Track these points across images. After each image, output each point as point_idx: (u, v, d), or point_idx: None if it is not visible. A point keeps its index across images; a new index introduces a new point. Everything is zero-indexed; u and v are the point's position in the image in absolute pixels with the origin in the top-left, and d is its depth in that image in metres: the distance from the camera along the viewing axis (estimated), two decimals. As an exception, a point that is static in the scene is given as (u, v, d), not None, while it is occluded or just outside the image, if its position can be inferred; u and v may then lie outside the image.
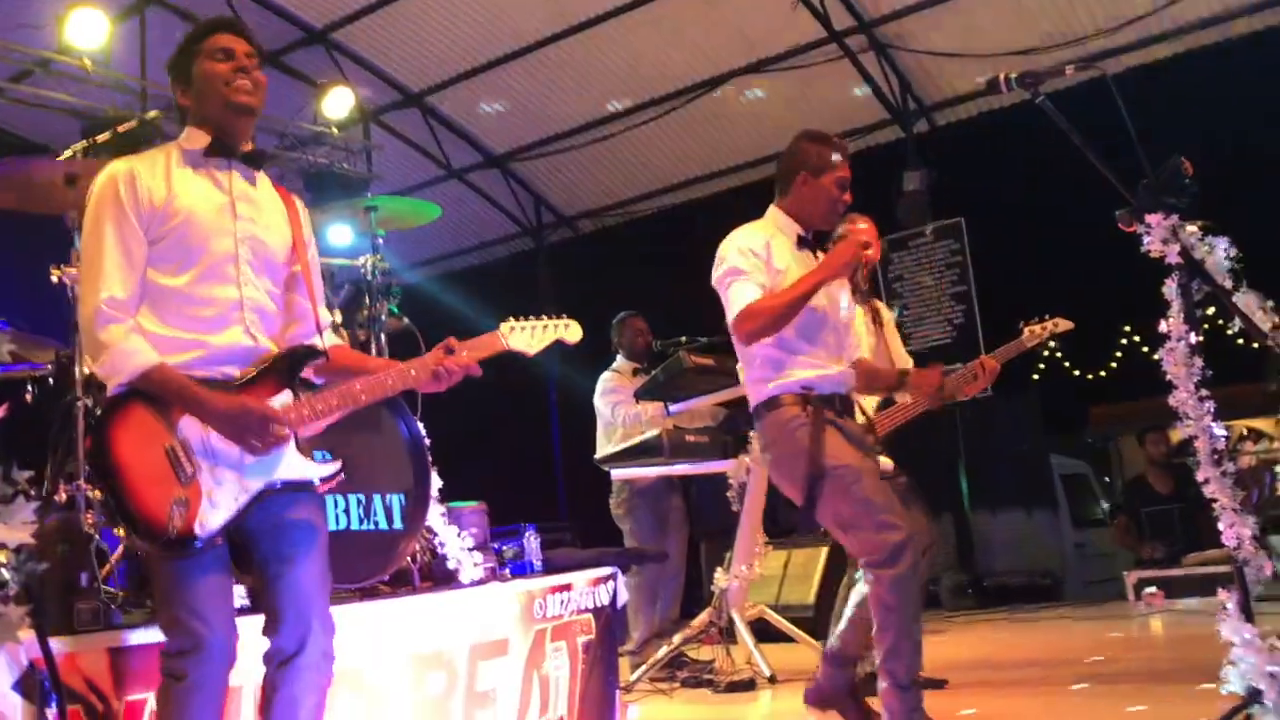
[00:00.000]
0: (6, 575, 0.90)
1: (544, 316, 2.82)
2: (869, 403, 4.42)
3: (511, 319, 2.78)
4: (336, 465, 2.58)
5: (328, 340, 2.74)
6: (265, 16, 8.66)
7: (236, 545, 2.46)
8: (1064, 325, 4.50)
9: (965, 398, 4.20)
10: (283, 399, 2.51)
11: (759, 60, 9.13)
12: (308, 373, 2.70)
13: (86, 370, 3.29)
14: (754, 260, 3.42)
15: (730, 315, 3.42)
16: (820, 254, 3.57)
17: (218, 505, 2.38)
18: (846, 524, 3.31)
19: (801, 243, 3.55)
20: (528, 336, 2.78)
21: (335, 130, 8.61)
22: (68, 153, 3.95)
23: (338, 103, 8.33)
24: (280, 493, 2.47)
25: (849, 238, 3.54)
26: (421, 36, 9.28)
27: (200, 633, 2.32)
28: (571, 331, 2.86)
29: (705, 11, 8.80)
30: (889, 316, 4.86)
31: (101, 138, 4.14)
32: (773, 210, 3.63)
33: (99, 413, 2.42)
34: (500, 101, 9.92)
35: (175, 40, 2.65)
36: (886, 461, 4.33)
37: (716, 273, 3.51)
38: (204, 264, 2.48)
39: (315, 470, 2.54)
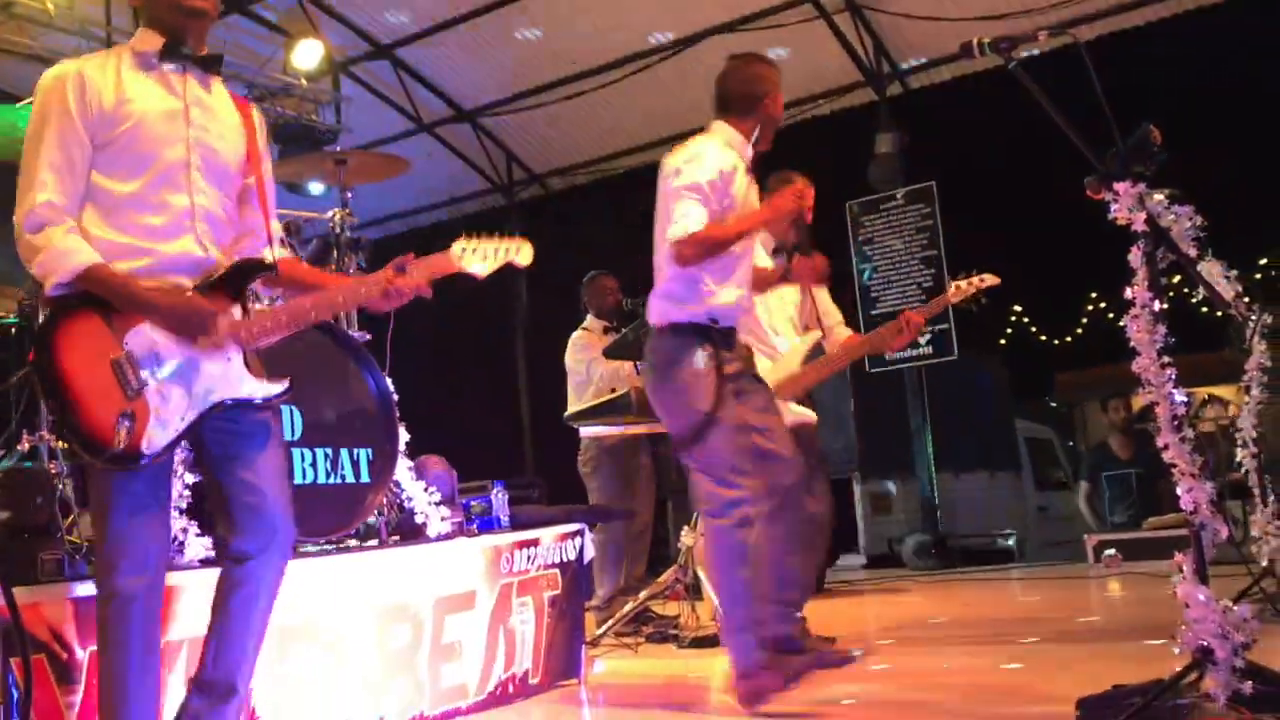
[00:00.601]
0: None
1: (496, 236, 2.78)
2: (796, 356, 4.43)
3: (464, 238, 2.71)
4: (284, 383, 2.55)
5: (276, 253, 2.70)
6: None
7: (192, 447, 2.46)
8: (990, 280, 4.56)
9: (891, 352, 4.37)
10: (231, 314, 2.48)
11: (734, 20, 9.06)
12: (257, 285, 2.68)
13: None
14: (716, 185, 3.48)
15: (672, 231, 3.43)
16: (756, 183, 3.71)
17: (165, 423, 2.34)
18: (705, 469, 3.42)
19: (751, 168, 3.67)
20: (479, 258, 2.71)
21: (304, 81, 8.50)
22: (27, 100, 3.88)
23: (307, 53, 8.23)
24: (230, 409, 2.46)
25: (786, 190, 3.56)
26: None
27: (134, 544, 2.32)
28: (523, 254, 2.79)
29: (680, -32, 8.72)
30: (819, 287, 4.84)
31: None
32: (730, 131, 3.66)
33: (42, 320, 2.35)
34: (472, 55, 9.79)
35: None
36: (808, 413, 4.40)
37: (674, 178, 3.52)
38: (155, 170, 2.43)
39: (263, 389, 2.51)
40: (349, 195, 4.18)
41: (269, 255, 2.62)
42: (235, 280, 2.52)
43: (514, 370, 11.31)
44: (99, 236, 2.38)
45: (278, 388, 2.54)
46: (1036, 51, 3.11)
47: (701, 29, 9.18)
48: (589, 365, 5.89)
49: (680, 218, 3.41)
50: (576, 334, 6.12)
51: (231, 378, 2.46)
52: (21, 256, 2.38)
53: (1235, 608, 2.65)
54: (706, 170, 3.47)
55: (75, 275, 2.32)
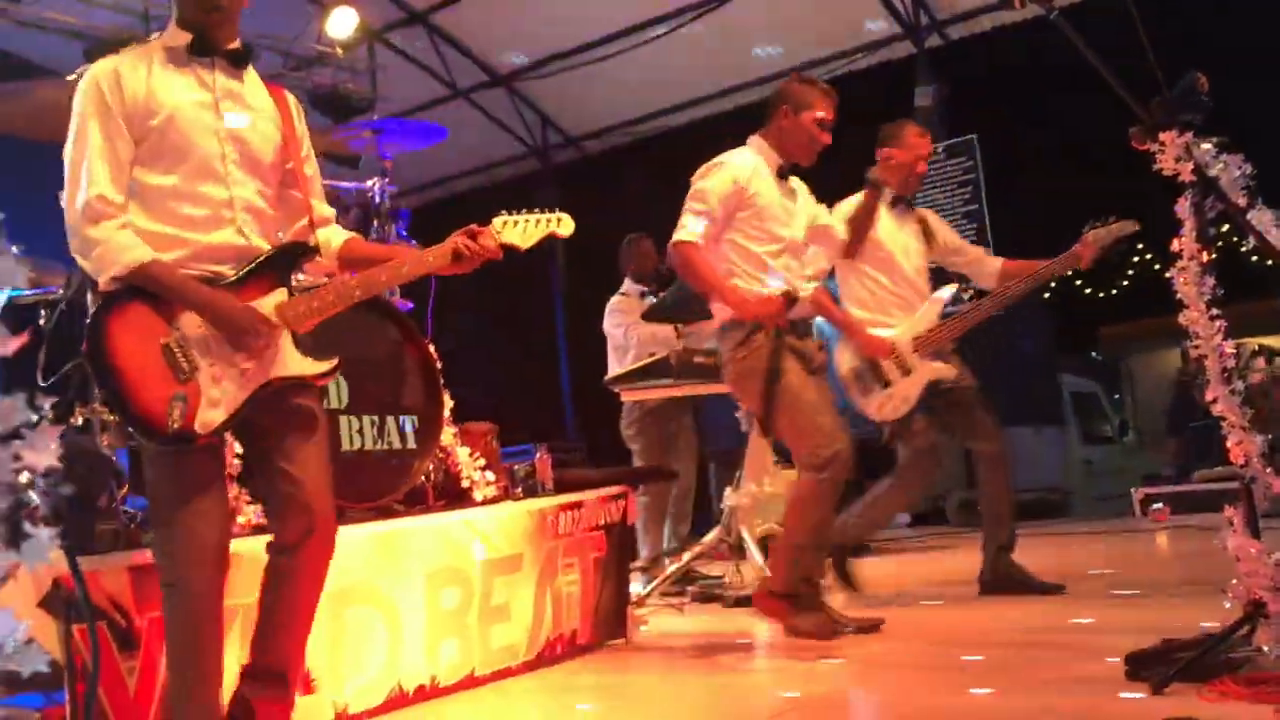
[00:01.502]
0: (36, 498, 0.93)
1: (536, 210, 2.82)
2: (931, 314, 4.54)
3: (504, 213, 2.78)
4: (333, 362, 2.59)
5: (341, 234, 2.75)
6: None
7: (237, 437, 2.50)
8: (1129, 226, 4.48)
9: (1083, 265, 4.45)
10: (277, 297, 2.52)
11: (770, -26, 8.96)
12: (332, 267, 2.72)
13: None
14: (729, 197, 3.78)
15: (676, 234, 3.78)
16: (793, 183, 3.96)
17: (217, 403, 2.39)
18: (794, 434, 3.72)
19: (780, 172, 3.89)
20: (520, 230, 2.79)
21: (339, 50, 8.50)
22: (72, 75, 3.91)
23: (342, 22, 8.22)
24: (278, 389, 2.49)
25: (768, 299, 3.70)
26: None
27: (197, 528, 2.37)
28: (564, 225, 2.86)
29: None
30: (943, 229, 4.86)
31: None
32: (755, 140, 3.96)
33: (94, 310, 2.40)
34: (505, 19, 9.75)
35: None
36: (948, 368, 4.49)
37: (696, 181, 3.85)
38: (191, 163, 2.47)
39: (312, 367, 2.55)
40: (388, 165, 4.20)
41: (314, 239, 2.66)
42: (279, 264, 2.56)
43: (554, 333, 11.35)
44: (141, 228, 2.42)
45: (326, 366, 2.57)
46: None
47: (737, -15, 9.08)
48: (627, 330, 5.90)
49: (684, 225, 3.77)
50: (614, 299, 6.13)
51: (280, 358, 2.50)
52: (74, 249, 2.43)
53: (1288, 561, 2.62)
54: (718, 182, 3.80)
55: (131, 270, 2.36)
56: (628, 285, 6.16)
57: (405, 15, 9.75)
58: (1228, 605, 2.72)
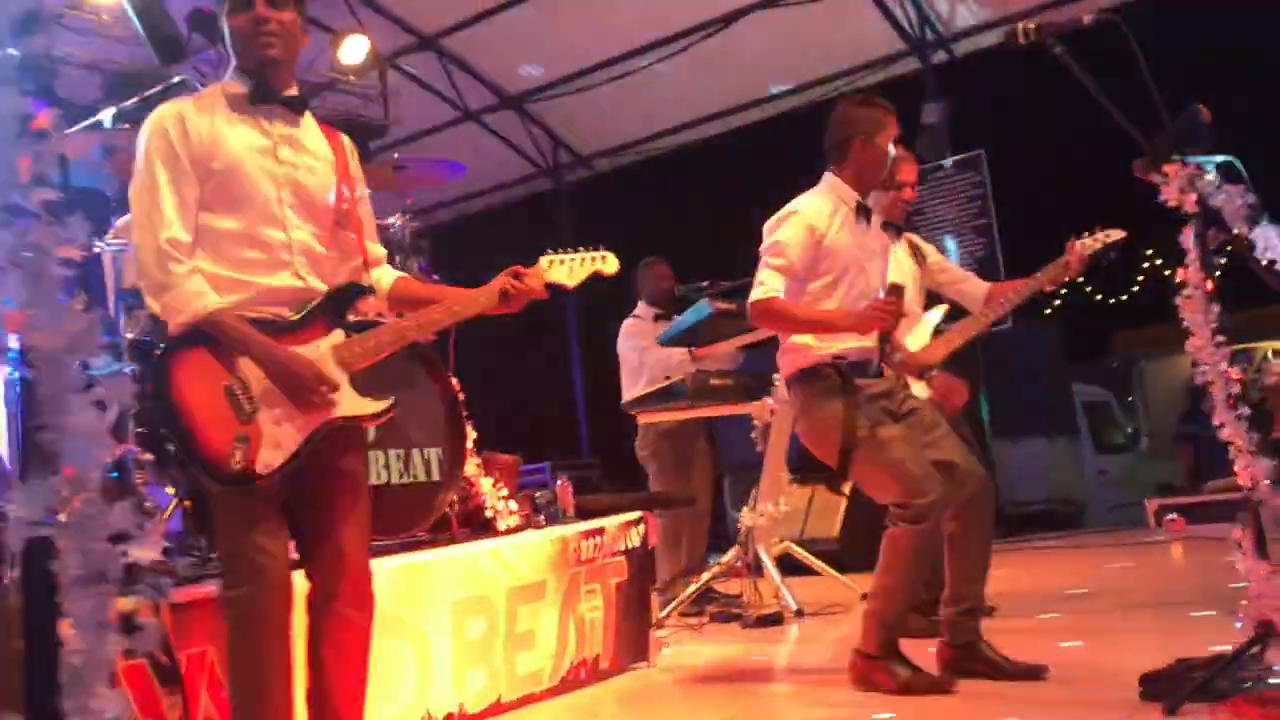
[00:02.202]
0: (146, 591, 1.00)
1: (581, 249, 2.89)
2: (924, 333, 4.41)
3: (550, 251, 2.84)
4: (389, 401, 2.63)
5: (391, 273, 2.81)
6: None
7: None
8: (1116, 234, 4.48)
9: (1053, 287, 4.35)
10: (333, 338, 2.57)
11: (775, -6, 9.04)
12: (381, 307, 2.79)
13: (129, 335, 3.40)
14: (805, 245, 3.49)
15: (754, 292, 3.53)
16: (871, 223, 3.65)
17: (279, 444, 2.44)
18: (879, 486, 3.45)
19: (859, 211, 3.61)
20: (567, 270, 2.84)
21: (352, 77, 8.61)
22: (95, 119, 4.00)
23: (353, 49, 8.32)
24: (333, 432, 2.53)
25: (880, 304, 3.46)
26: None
27: (263, 564, 2.40)
28: (609, 263, 2.92)
29: (720, -54, 8.71)
30: (930, 249, 4.79)
31: (129, 103, 4.21)
32: (831, 179, 3.65)
33: (158, 352, 2.46)
34: (515, 41, 9.86)
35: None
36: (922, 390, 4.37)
37: (769, 234, 3.57)
38: (251, 207, 2.52)
39: (369, 407, 2.60)
40: (409, 200, 4.29)
41: (366, 279, 2.72)
42: (335, 305, 2.61)
43: (568, 354, 11.43)
44: (205, 270, 2.47)
45: (382, 406, 2.62)
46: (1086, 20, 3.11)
47: (743, 5, 9.17)
48: (641, 353, 5.96)
49: (761, 282, 3.51)
50: (628, 322, 6.20)
51: (338, 399, 2.54)
52: (145, 290, 2.48)
53: (1297, 582, 2.68)
54: (793, 231, 3.52)
55: (200, 319, 2.41)
56: (641, 308, 6.23)
57: (416, 40, 9.86)
58: (1238, 625, 2.78)
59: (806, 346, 3.55)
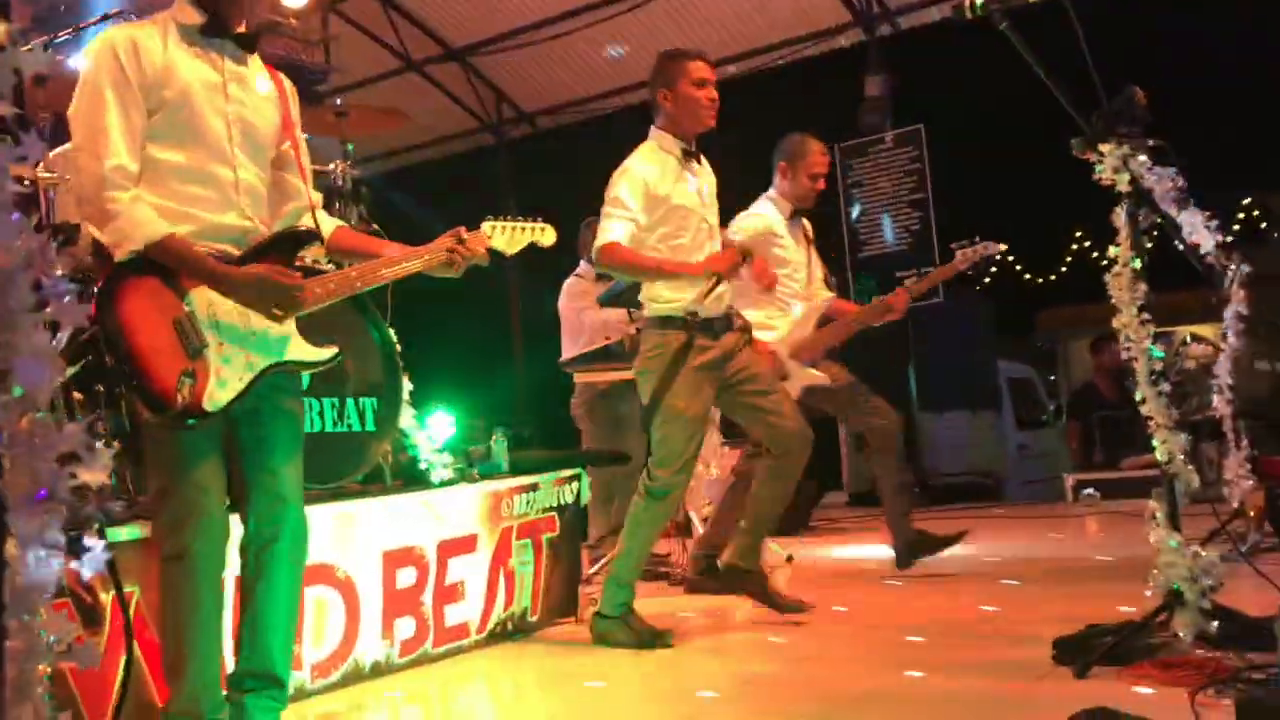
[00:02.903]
0: (94, 514, 0.99)
1: (522, 218, 2.90)
2: (809, 321, 4.71)
3: (492, 218, 2.85)
4: (335, 350, 2.63)
5: (330, 221, 2.79)
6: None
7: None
8: (995, 248, 4.74)
9: (878, 322, 4.80)
10: None
11: (723, -41, 9.03)
12: (318, 252, 2.76)
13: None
14: (640, 197, 3.70)
15: (599, 239, 3.72)
16: (699, 164, 3.88)
17: (225, 382, 2.41)
18: (657, 449, 3.79)
19: (686, 157, 3.82)
20: (507, 238, 2.88)
21: (293, 20, 8.42)
22: (28, 47, 3.85)
23: (296, -9, 8.13)
24: (276, 375, 2.51)
25: (728, 251, 3.77)
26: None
27: (200, 501, 2.39)
28: (546, 235, 2.98)
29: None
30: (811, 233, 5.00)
31: (65, 33, 4.07)
32: (654, 133, 3.88)
33: (105, 279, 2.39)
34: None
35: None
36: (819, 374, 4.59)
37: (609, 190, 3.78)
38: (200, 143, 2.48)
39: (316, 354, 2.59)
40: (349, 146, 4.23)
41: (311, 222, 2.69)
42: (284, 248, 2.58)
43: (507, 311, 11.38)
44: (148, 201, 2.41)
45: (328, 353, 2.61)
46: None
47: (693, -32, 9.15)
48: (581, 313, 5.97)
49: (604, 231, 3.71)
50: (570, 280, 6.18)
51: (288, 342, 2.52)
52: (89, 218, 2.43)
53: (1204, 553, 2.80)
54: (626, 187, 3.72)
55: (150, 244, 2.36)
56: (583, 267, 6.21)
57: (359, -15, 9.69)
58: (1149, 594, 2.89)
59: (663, 298, 3.76)
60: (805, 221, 4.92)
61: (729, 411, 4.15)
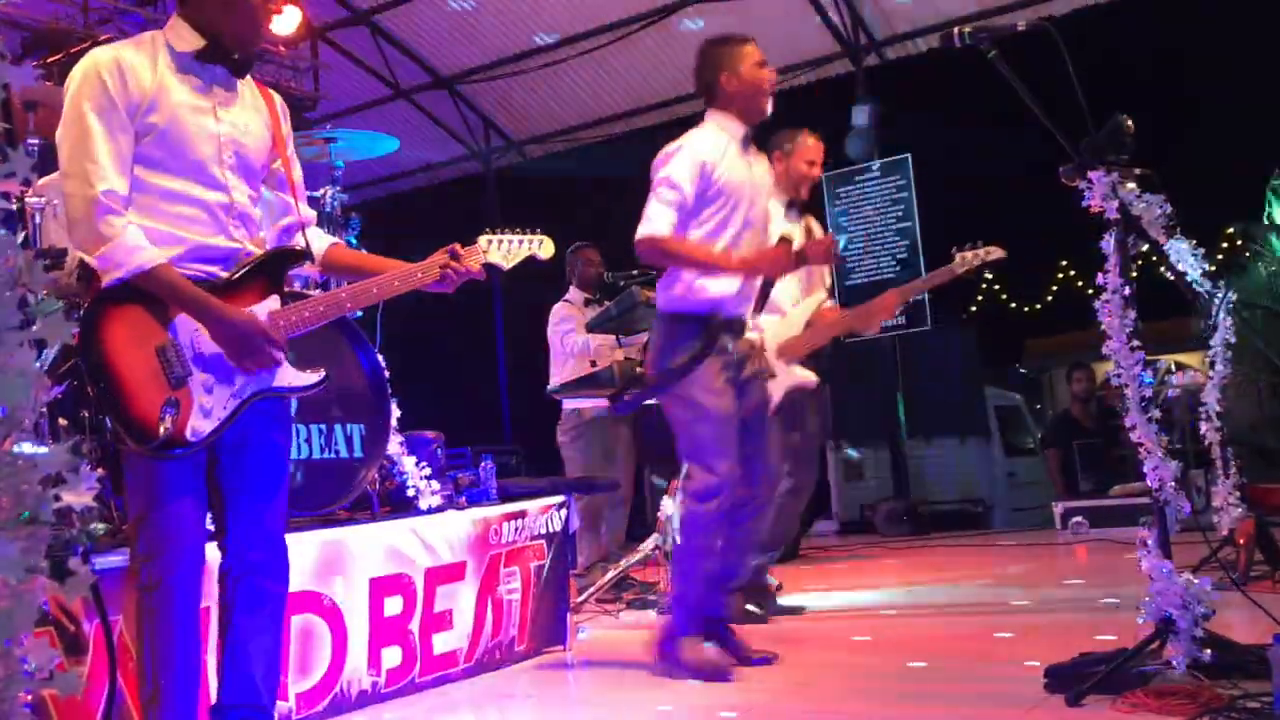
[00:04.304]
0: (78, 536, 0.97)
1: (519, 230, 2.87)
2: (799, 320, 4.62)
3: (489, 231, 2.81)
4: (321, 373, 2.59)
5: (324, 238, 2.75)
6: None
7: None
8: (996, 253, 4.70)
9: (872, 331, 4.62)
10: (270, 304, 2.51)
11: (711, -12, 9.09)
12: (313, 270, 2.72)
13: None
14: (693, 177, 3.54)
15: (642, 228, 3.55)
16: (758, 154, 3.76)
17: (209, 412, 2.37)
18: (683, 450, 3.61)
19: (744, 143, 3.69)
20: (504, 251, 2.82)
21: (283, 48, 8.46)
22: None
23: (285, 20, 8.18)
24: (263, 402, 2.48)
25: (780, 250, 3.63)
26: (371, -48, 9.10)
27: (178, 531, 2.35)
28: (545, 248, 2.91)
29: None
30: (819, 233, 4.93)
31: (52, 59, 4.07)
32: (712, 114, 3.72)
33: (89, 305, 2.35)
34: (450, 22, 9.77)
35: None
36: (809, 375, 4.54)
37: (660, 168, 3.60)
38: (190, 166, 2.44)
39: (302, 378, 2.56)
40: (338, 172, 4.23)
41: (302, 241, 2.67)
42: (272, 269, 2.54)
43: (493, 337, 11.38)
44: (137, 224, 2.37)
45: (314, 377, 2.57)
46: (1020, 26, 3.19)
47: (680, -1, 9.21)
48: (568, 338, 5.96)
49: (651, 217, 3.54)
50: (558, 306, 6.19)
51: (271, 368, 2.48)
52: (78, 243, 2.37)
53: (1196, 581, 2.79)
54: (683, 167, 3.55)
55: (140, 273, 2.32)
56: (573, 293, 6.22)
57: (349, 14, 9.73)
58: (1140, 621, 2.88)
59: (686, 288, 3.59)
60: (812, 220, 4.88)
61: None
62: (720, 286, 3.58)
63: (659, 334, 3.70)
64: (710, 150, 3.59)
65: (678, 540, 3.78)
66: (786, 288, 4.65)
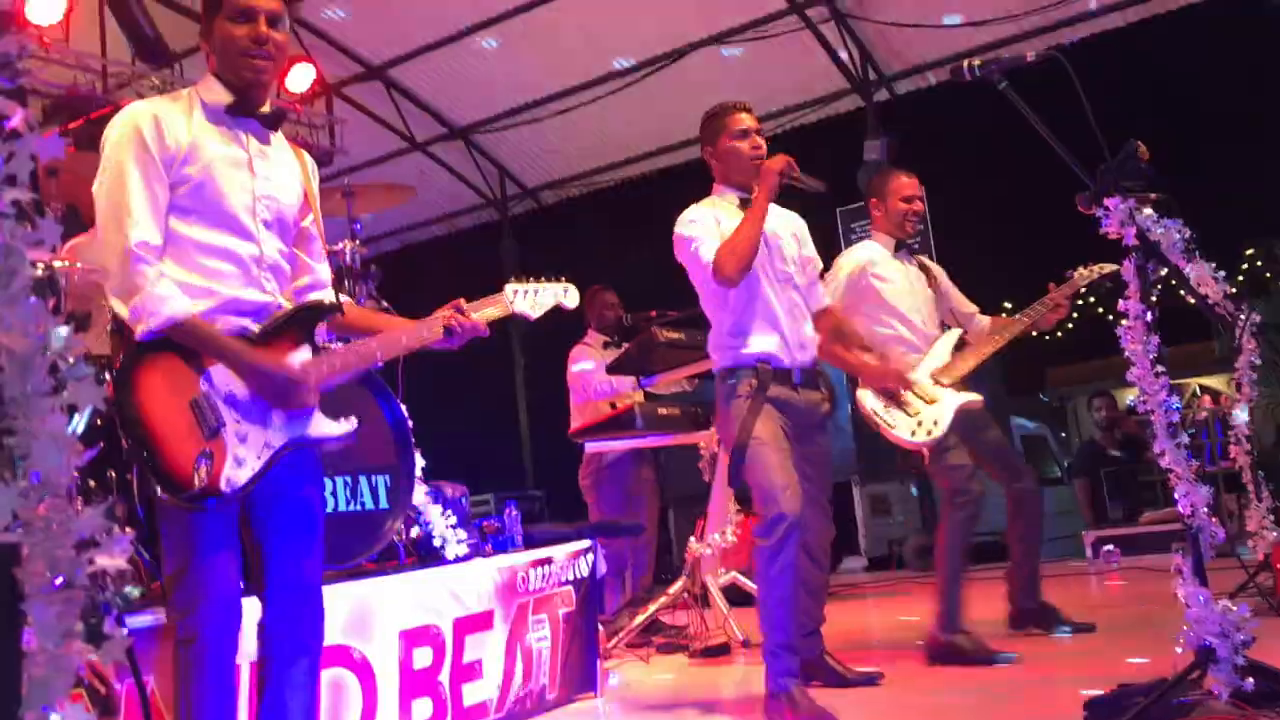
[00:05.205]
0: (112, 600, 0.97)
1: (545, 279, 2.88)
2: (945, 348, 4.59)
3: (514, 280, 2.82)
4: (353, 423, 2.59)
5: (334, 296, 2.76)
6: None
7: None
8: (1110, 268, 4.66)
9: (1047, 326, 4.73)
10: (302, 354, 2.52)
11: (721, 32, 9.17)
12: (321, 329, 2.74)
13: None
14: (707, 225, 3.72)
15: (707, 272, 3.65)
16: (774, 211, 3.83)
17: (243, 462, 2.37)
18: (753, 482, 3.59)
19: (744, 206, 3.78)
20: (531, 300, 2.84)
21: (298, 105, 8.57)
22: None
23: (300, 77, 8.30)
24: (295, 452, 2.48)
25: (771, 164, 3.70)
26: (383, 8, 9.22)
27: (214, 585, 2.34)
28: (570, 296, 2.94)
29: (667, -17, 8.84)
30: (937, 271, 4.92)
31: (73, 124, 4.14)
32: (715, 187, 3.95)
33: (123, 358, 2.36)
34: (462, 74, 9.89)
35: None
36: (972, 395, 4.48)
37: (680, 250, 3.77)
38: (224, 218, 2.46)
39: (334, 428, 2.56)
40: (357, 225, 4.27)
41: (330, 296, 2.69)
42: (303, 322, 2.56)
43: (512, 384, 11.40)
44: (170, 277, 2.39)
45: (346, 427, 2.57)
46: (1030, 57, 3.20)
47: (689, 42, 9.29)
48: (587, 380, 5.97)
49: (705, 257, 3.64)
50: (576, 349, 6.20)
51: (305, 418, 2.49)
52: (112, 290, 2.38)
53: (1234, 607, 2.74)
54: (688, 226, 3.75)
55: (171, 324, 2.33)
56: (591, 335, 6.24)
57: (363, 70, 9.86)
58: (1179, 651, 2.83)
59: (734, 344, 3.72)
60: (926, 260, 4.88)
61: None
62: (761, 345, 3.70)
63: (717, 393, 3.80)
64: (703, 212, 3.79)
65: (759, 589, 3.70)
66: (926, 330, 4.65)
